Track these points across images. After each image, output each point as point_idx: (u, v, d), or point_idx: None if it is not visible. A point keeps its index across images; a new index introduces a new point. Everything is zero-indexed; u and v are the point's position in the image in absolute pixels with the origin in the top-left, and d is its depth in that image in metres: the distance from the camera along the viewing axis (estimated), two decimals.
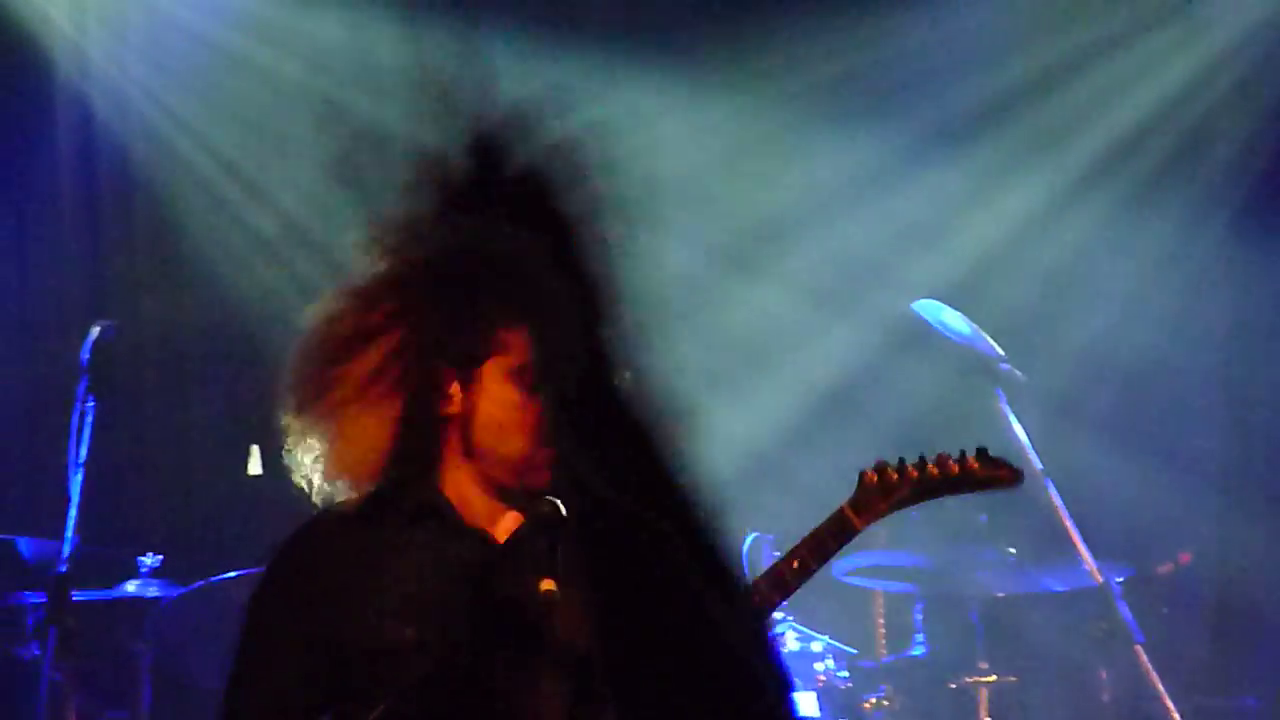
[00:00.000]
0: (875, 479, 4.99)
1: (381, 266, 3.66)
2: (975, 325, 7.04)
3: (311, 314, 3.67)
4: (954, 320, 7.02)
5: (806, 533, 5.00)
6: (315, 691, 3.65)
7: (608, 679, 3.67)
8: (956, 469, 5.03)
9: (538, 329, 3.60)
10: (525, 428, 3.64)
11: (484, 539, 3.71)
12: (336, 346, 3.62)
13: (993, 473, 5.06)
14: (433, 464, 3.69)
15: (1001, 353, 7.00)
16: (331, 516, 3.71)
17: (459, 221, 3.63)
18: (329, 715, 3.68)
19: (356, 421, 3.60)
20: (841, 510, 4.98)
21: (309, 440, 3.66)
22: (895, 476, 4.99)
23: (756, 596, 5.03)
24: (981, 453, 5.06)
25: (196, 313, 8.75)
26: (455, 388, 3.65)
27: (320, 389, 3.62)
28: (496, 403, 3.64)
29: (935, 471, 5.02)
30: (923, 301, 7.10)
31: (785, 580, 5.00)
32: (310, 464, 3.66)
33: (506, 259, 3.61)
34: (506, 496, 3.71)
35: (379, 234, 3.67)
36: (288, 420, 3.69)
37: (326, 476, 3.65)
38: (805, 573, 4.99)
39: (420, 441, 3.65)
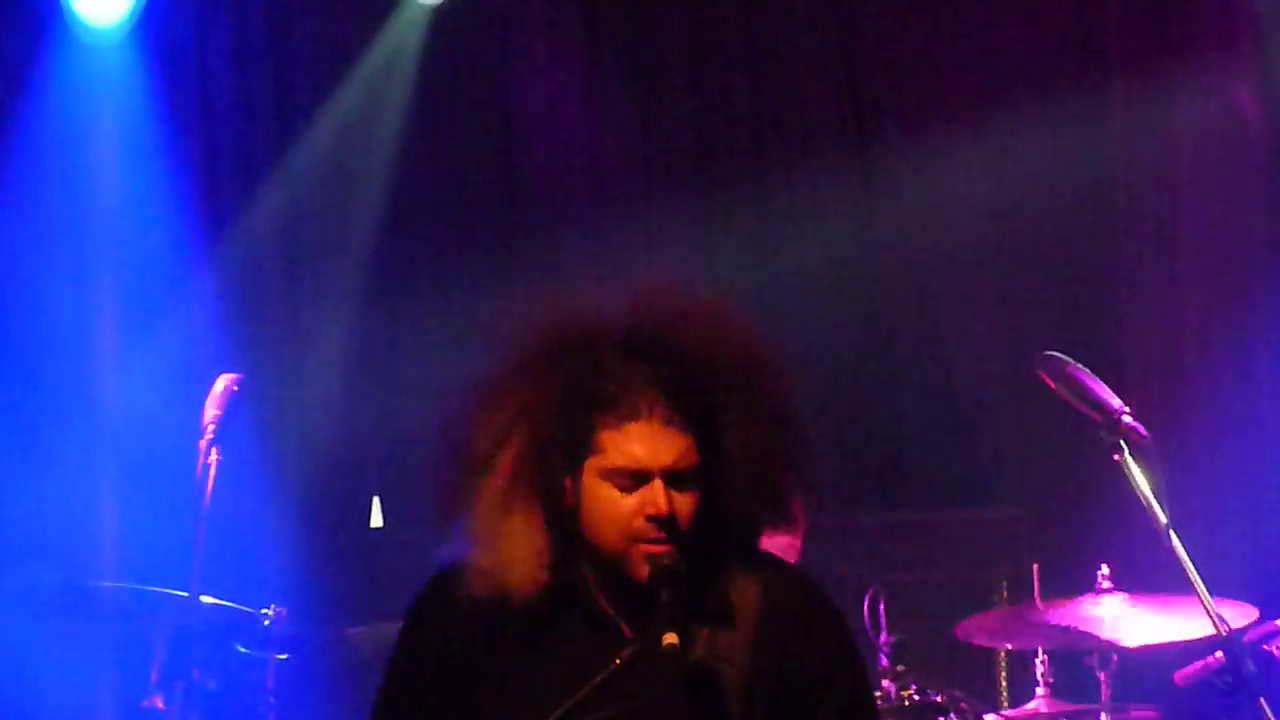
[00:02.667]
0: None
1: (504, 362, 3.82)
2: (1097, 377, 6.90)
3: (443, 413, 3.84)
4: (1079, 372, 6.87)
5: None
6: None
7: None
8: None
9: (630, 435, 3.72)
10: (616, 524, 3.74)
11: (619, 627, 3.82)
12: (474, 457, 3.77)
13: None
14: (574, 556, 3.82)
15: (1123, 405, 6.84)
16: (470, 586, 3.79)
17: (572, 327, 3.82)
18: None
19: (508, 527, 3.74)
20: None
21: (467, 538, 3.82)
22: None
23: None
24: None
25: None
26: (568, 482, 3.79)
27: (467, 502, 3.79)
28: (594, 499, 3.75)
29: None
30: (1048, 354, 6.94)
31: None
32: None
33: (612, 366, 3.76)
34: (626, 586, 3.80)
35: (506, 327, 3.85)
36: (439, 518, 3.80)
37: (491, 580, 3.76)
38: None
39: (563, 536, 3.81)
